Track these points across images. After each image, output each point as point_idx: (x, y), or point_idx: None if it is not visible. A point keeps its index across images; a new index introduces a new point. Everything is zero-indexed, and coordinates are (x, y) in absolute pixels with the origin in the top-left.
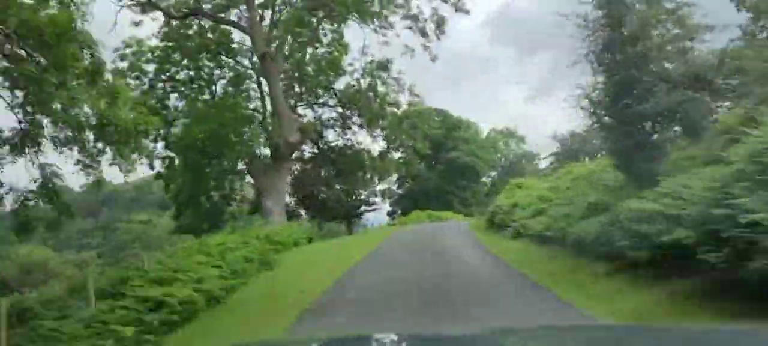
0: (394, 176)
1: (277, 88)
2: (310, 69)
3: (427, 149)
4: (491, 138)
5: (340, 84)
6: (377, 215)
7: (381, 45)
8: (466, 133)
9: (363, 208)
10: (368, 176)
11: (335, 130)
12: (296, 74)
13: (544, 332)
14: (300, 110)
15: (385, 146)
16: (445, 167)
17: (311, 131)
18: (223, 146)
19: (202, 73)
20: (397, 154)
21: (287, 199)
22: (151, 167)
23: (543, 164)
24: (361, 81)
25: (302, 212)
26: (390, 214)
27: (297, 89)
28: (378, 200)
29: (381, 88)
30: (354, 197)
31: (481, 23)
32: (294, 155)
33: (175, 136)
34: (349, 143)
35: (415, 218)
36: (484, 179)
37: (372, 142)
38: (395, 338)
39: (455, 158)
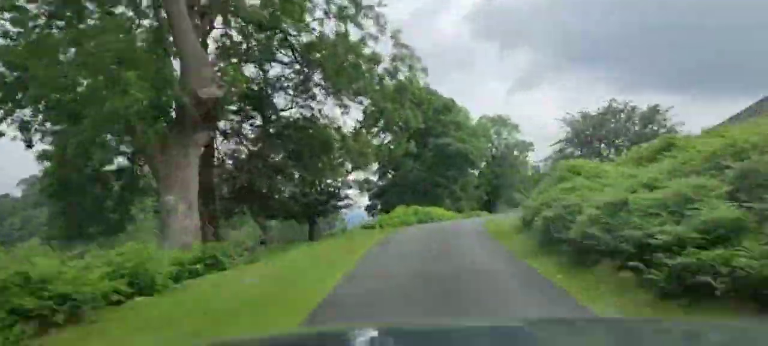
0: (374, 165)
1: (182, 14)
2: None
3: (419, 121)
4: (482, 125)
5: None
6: (354, 210)
7: None
8: (457, 118)
9: (331, 202)
10: (338, 160)
11: (288, 94)
12: (237, 21)
13: (546, 325)
14: (246, 72)
15: (361, 119)
16: (433, 155)
17: (242, 86)
18: (90, 102)
19: (117, 19)
20: (378, 138)
21: (223, 190)
22: (29, 145)
23: (540, 154)
24: (325, 23)
25: (245, 210)
26: (369, 209)
27: (245, 45)
28: (353, 192)
29: (353, 35)
30: (319, 189)
31: (464, 17)
32: (228, 129)
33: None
34: (311, 115)
35: (400, 214)
36: (471, 171)
37: (343, 115)
38: (401, 328)
39: (445, 145)
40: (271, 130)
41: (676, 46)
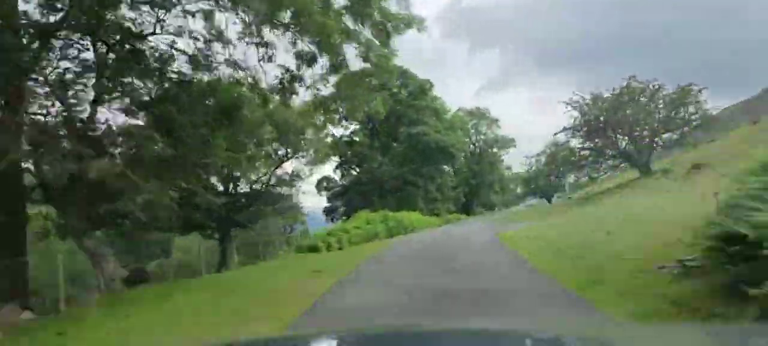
0: (332, 157)
1: None
2: None
3: (391, 68)
4: (459, 117)
5: None
6: (295, 213)
7: None
8: (434, 104)
9: (254, 207)
10: (255, 141)
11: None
12: None
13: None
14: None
15: (295, 66)
16: (406, 148)
17: None
18: None
19: None
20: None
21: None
22: None
23: (535, 148)
24: None
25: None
26: (328, 212)
27: None
28: (297, 190)
29: None
30: (234, 186)
31: (434, 18)
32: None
33: None
34: (196, 54)
35: (364, 223)
36: (448, 169)
37: (262, 62)
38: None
39: (420, 135)
40: (107, 74)
41: (676, 46)
